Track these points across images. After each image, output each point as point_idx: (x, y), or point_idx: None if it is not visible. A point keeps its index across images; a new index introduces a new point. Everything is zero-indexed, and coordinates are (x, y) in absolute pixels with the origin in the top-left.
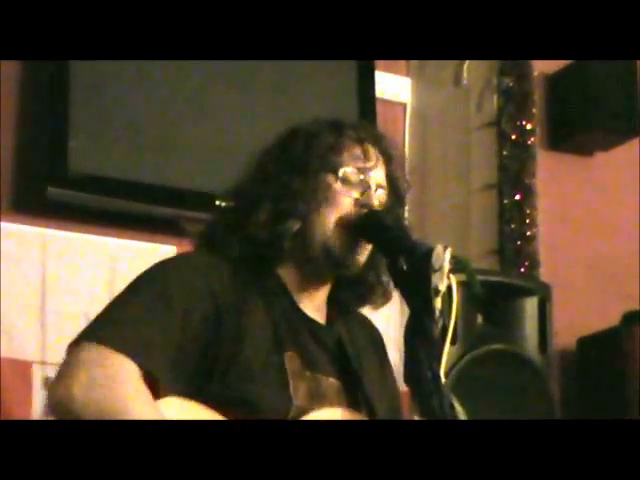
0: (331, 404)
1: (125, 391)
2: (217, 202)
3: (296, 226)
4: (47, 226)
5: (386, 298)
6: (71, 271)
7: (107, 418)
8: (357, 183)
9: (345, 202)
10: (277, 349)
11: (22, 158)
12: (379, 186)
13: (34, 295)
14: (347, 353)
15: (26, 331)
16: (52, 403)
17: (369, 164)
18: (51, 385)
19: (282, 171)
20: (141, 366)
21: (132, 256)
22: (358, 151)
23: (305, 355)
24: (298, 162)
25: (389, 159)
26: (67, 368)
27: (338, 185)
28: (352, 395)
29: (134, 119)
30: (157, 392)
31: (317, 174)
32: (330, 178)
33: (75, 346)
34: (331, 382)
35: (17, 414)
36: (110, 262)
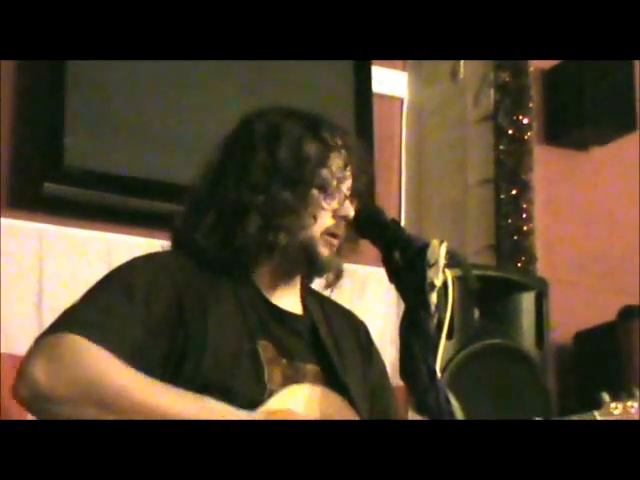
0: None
1: (93, 358)
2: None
3: (285, 240)
4: (44, 221)
5: (338, 277)
6: (68, 266)
7: (81, 387)
8: (336, 194)
9: (327, 215)
10: (249, 338)
11: (19, 154)
12: (349, 189)
13: (31, 290)
14: (322, 339)
15: (23, 326)
16: (19, 398)
17: (346, 173)
18: (14, 384)
19: (271, 182)
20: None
21: (128, 251)
22: (338, 161)
23: (279, 344)
24: (288, 174)
25: (357, 162)
26: (25, 360)
27: (324, 201)
28: (331, 381)
29: (130, 115)
30: None
31: (306, 189)
32: (318, 194)
33: (36, 339)
34: (309, 368)
35: (14, 410)
36: (107, 257)
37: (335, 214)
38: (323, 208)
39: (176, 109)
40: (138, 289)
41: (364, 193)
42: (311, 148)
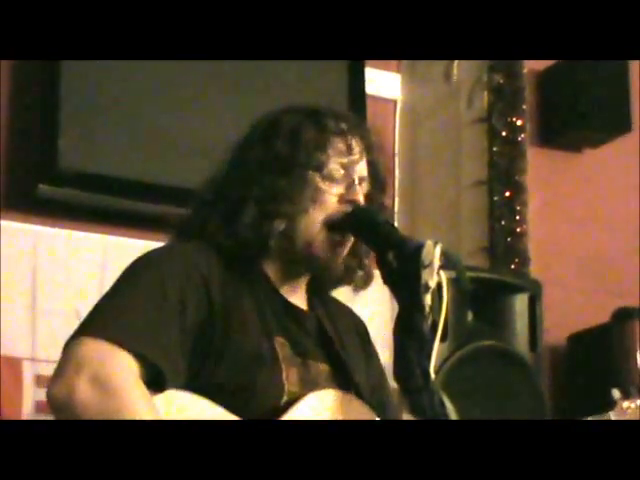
0: (321, 389)
1: (125, 395)
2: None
3: (282, 226)
4: (38, 223)
5: (367, 281)
6: (61, 268)
7: (106, 419)
8: (341, 179)
9: (330, 200)
10: (266, 335)
11: (12, 156)
12: (361, 178)
13: (25, 292)
14: (329, 337)
15: (17, 328)
16: (54, 402)
17: (353, 158)
18: (52, 382)
19: (266, 170)
20: (146, 360)
21: (122, 253)
22: (341, 145)
23: (293, 341)
24: (282, 160)
25: (369, 147)
26: (68, 366)
27: (323, 184)
28: (341, 380)
29: (124, 117)
30: (157, 384)
31: (302, 173)
32: (316, 177)
33: (75, 341)
34: (321, 367)
35: (7, 411)
36: (100, 259)
37: (342, 199)
38: (322, 191)
39: (170, 111)
40: (171, 286)
41: (384, 184)
42: (307, 133)
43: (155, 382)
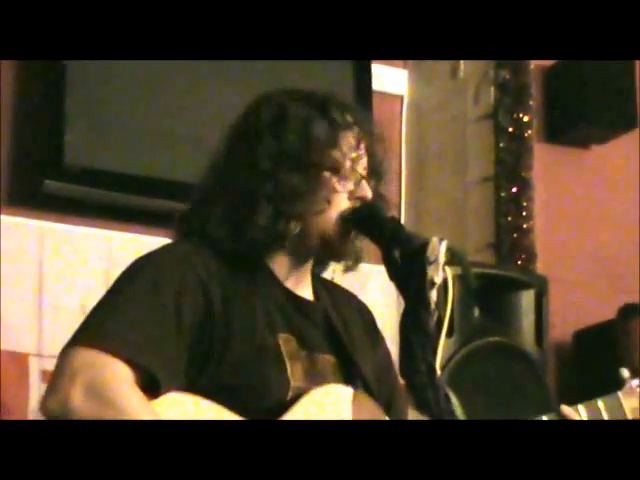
0: (327, 382)
1: (122, 401)
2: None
3: (298, 228)
4: (44, 219)
5: (357, 261)
6: (68, 264)
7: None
8: (350, 175)
9: (342, 198)
10: (270, 332)
11: (19, 151)
12: (364, 169)
13: (31, 288)
14: (335, 327)
15: (23, 323)
16: (49, 415)
17: (360, 152)
18: (46, 395)
19: (278, 166)
20: (139, 366)
21: (129, 249)
22: (350, 139)
23: (299, 335)
24: (296, 158)
25: (371, 138)
26: (61, 377)
27: (338, 184)
28: (347, 371)
29: (130, 112)
30: (153, 390)
31: (317, 172)
32: (330, 176)
33: (67, 351)
34: (327, 359)
35: (14, 406)
36: (107, 255)
37: (351, 196)
38: (337, 191)
39: (176, 107)
40: (166, 291)
41: (382, 172)
42: (319, 129)
43: (151, 387)
